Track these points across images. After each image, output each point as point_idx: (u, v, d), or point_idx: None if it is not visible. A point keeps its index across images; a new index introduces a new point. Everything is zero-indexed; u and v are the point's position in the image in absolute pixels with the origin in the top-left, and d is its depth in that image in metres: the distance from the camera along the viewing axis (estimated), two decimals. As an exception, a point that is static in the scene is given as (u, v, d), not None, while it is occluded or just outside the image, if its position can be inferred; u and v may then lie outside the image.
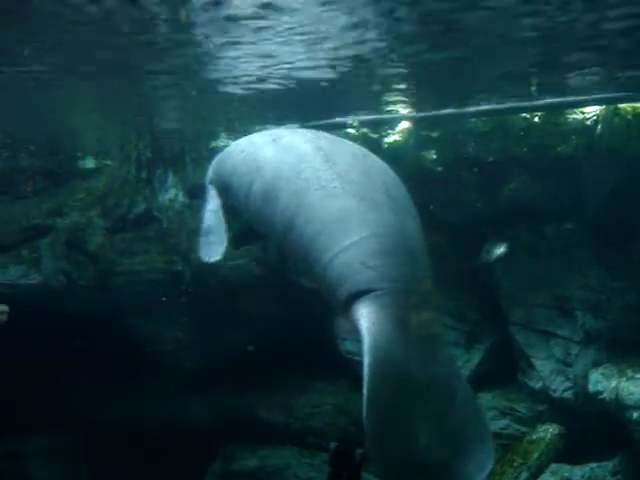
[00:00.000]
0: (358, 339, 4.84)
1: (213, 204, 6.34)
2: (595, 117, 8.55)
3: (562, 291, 8.55)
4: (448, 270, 8.65)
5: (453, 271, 8.76)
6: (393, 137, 9.17)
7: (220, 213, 6.26)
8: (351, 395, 8.66)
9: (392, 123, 9.19)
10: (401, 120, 9.17)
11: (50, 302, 8.53)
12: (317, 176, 5.25)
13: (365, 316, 4.76)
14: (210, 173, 6.52)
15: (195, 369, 8.65)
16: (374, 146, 9.17)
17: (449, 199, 9.08)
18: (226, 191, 6.15)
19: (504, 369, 8.49)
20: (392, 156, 9.02)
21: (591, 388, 8.05)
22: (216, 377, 8.58)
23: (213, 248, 6.17)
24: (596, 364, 8.23)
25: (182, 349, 8.66)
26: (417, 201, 8.89)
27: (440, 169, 9.00)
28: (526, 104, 8.54)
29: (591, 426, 8.00)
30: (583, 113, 8.57)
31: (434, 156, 9.02)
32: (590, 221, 8.70)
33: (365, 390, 4.54)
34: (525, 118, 8.77)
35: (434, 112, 8.94)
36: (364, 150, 5.73)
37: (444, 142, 9.02)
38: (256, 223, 5.97)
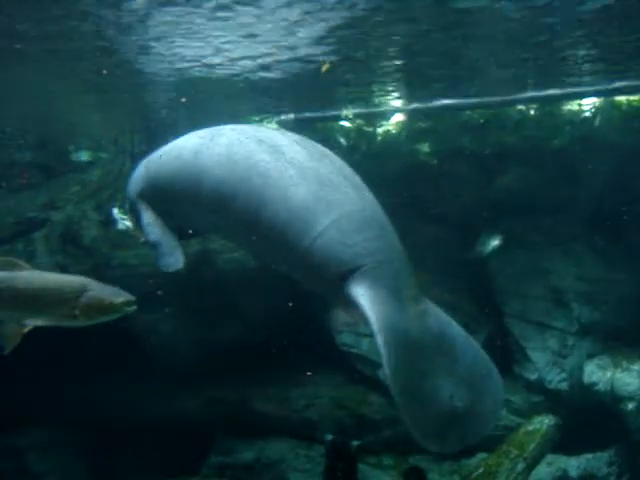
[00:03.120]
0: (359, 319, 5.03)
1: (149, 216, 6.06)
2: (593, 109, 8.54)
3: (557, 283, 8.56)
4: (443, 262, 8.67)
5: (448, 263, 8.77)
6: (387, 129, 9.14)
7: (160, 223, 6.00)
8: (347, 387, 8.67)
9: (386, 115, 9.17)
10: (395, 112, 9.15)
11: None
12: (270, 168, 5.25)
13: (362, 295, 4.90)
14: (137, 185, 6.19)
15: (190, 362, 8.63)
16: (369, 139, 9.16)
17: (444, 191, 9.07)
18: (162, 201, 5.91)
19: (499, 361, 8.42)
20: (387, 149, 9.03)
21: (586, 379, 8.07)
22: (212, 370, 8.56)
23: (170, 257, 5.97)
24: (591, 355, 8.26)
25: (177, 342, 8.64)
26: (412, 193, 8.99)
27: (435, 162, 8.98)
28: (520, 96, 8.54)
29: (586, 417, 8.01)
30: (579, 105, 8.56)
31: (429, 149, 9.00)
32: (586, 213, 8.70)
33: (387, 365, 4.68)
34: (520, 110, 8.75)
35: (428, 104, 8.92)
36: (299, 136, 5.74)
37: (439, 134, 8.99)
38: (209, 225, 5.90)
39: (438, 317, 5.21)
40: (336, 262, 5.01)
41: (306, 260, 5.09)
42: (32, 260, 8.38)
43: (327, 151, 5.63)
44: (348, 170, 5.48)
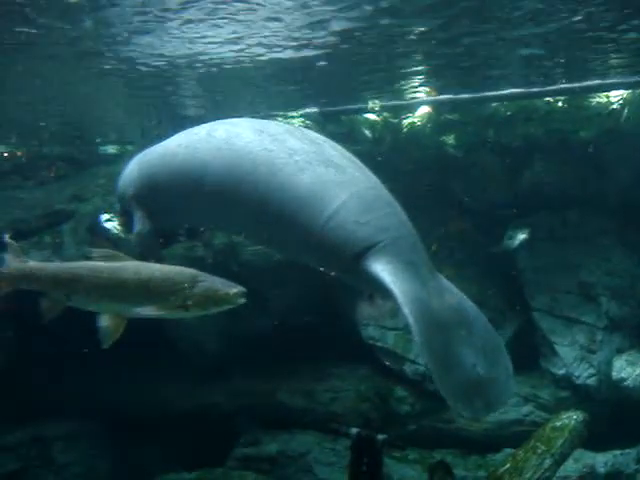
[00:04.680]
0: (380, 296, 5.43)
1: (142, 225, 5.95)
2: (621, 101, 8.43)
3: (586, 277, 8.48)
4: (470, 256, 8.61)
5: (476, 257, 8.72)
6: (413, 121, 9.09)
7: (151, 237, 5.93)
8: (372, 381, 8.65)
9: (412, 107, 9.10)
10: (421, 104, 9.08)
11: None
12: (274, 156, 5.25)
13: (382, 270, 4.96)
14: (129, 187, 6.04)
15: (217, 354, 8.66)
16: (394, 131, 9.11)
17: (470, 184, 9.01)
18: (160, 200, 5.80)
19: (527, 355, 8.42)
20: (412, 141, 8.98)
21: (615, 375, 7.98)
22: (237, 362, 8.59)
23: None
24: (620, 351, 8.17)
25: (203, 334, 8.66)
26: (438, 186, 8.93)
27: (461, 154, 8.92)
28: (549, 88, 8.44)
29: (615, 413, 7.93)
30: (607, 97, 8.46)
31: (455, 141, 8.94)
32: (614, 206, 8.60)
33: (417, 334, 4.79)
34: (548, 102, 8.66)
35: (454, 96, 8.85)
36: (292, 126, 5.72)
37: (465, 127, 8.93)
38: (213, 221, 5.82)
39: (452, 291, 5.32)
40: (352, 241, 5.05)
41: (321, 243, 5.13)
42: (60, 252, 8.46)
43: (323, 137, 5.68)
44: (347, 153, 5.52)
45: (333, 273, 5.61)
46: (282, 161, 5.21)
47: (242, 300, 4.19)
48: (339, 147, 5.56)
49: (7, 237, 4.44)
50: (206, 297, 4.14)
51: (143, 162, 6.03)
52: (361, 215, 5.08)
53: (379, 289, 5.11)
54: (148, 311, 4.15)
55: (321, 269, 5.60)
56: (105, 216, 7.04)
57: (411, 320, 4.77)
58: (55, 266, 4.36)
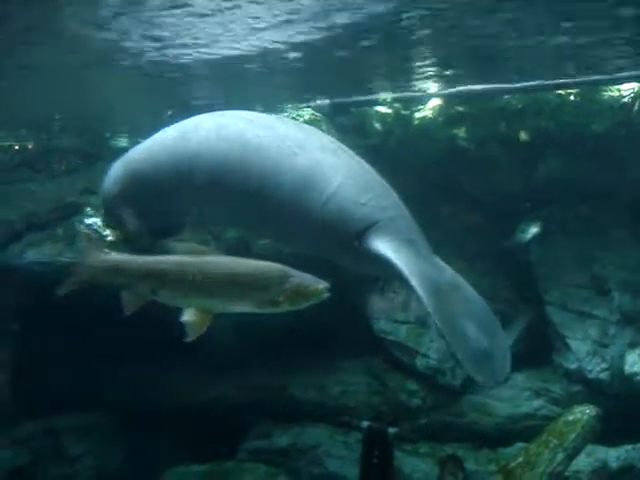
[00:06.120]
0: (382, 274, 5.61)
1: (133, 226, 5.87)
2: (632, 94, 8.40)
3: (599, 271, 8.46)
4: (483, 249, 8.59)
5: (488, 250, 8.71)
6: (424, 114, 9.06)
7: (146, 235, 5.81)
8: (383, 375, 8.64)
9: (423, 100, 9.07)
10: (432, 97, 9.04)
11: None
12: (266, 142, 5.26)
13: (384, 247, 5.07)
14: (115, 186, 5.89)
15: (228, 348, 8.65)
16: (405, 123, 9.07)
17: (481, 178, 8.99)
18: (149, 198, 5.71)
19: (539, 349, 8.42)
20: (423, 134, 8.95)
21: (627, 369, 7.97)
22: (249, 355, 8.59)
23: None
24: (633, 345, 8.14)
25: (215, 328, 8.67)
26: (449, 179, 8.89)
27: (473, 147, 8.90)
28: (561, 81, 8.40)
29: (627, 407, 7.90)
30: (619, 90, 8.43)
31: (467, 134, 8.91)
32: (627, 200, 8.57)
33: (427, 304, 4.91)
34: (559, 95, 8.62)
35: (466, 88, 8.81)
36: (277, 115, 5.76)
37: (477, 119, 8.89)
38: (206, 215, 5.77)
39: (449, 270, 5.39)
40: (351, 221, 5.13)
41: (321, 226, 5.17)
42: (72, 245, 8.46)
43: (308, 126, 5.82)
44: (337, 141, 5.60)
45: (339, 262, 5.65)
46: (275, 146, 5.23)
47: (328, 295, 4.14)
48: (329, 136, 5.67)
49: (82, 227, 4.29)
50: (297, 293, 4.08)
51: (129, 159, 5.91)
52: (359, 196, 5.15)
53: (383, 267, 5.16)
54: (237, 307, 4.10)
55: (325, 257, 5.61)
56: (88, 213, 6.96)
57: (420, 291, 4.86)
58: (141, 260, 4.20)
